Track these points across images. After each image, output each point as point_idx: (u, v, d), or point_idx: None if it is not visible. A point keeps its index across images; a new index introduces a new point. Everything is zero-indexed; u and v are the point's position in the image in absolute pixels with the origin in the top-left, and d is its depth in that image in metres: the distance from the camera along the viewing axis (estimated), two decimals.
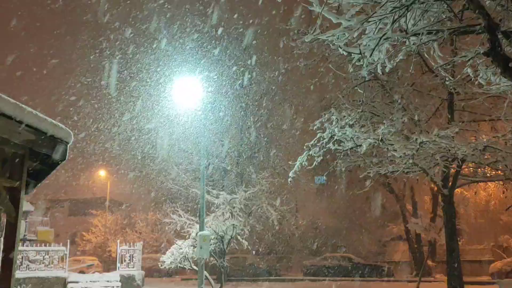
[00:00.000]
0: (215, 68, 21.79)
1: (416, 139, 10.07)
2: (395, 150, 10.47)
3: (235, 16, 22.95)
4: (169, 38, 21.48)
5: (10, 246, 4.20)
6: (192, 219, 18.08)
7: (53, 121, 4.29)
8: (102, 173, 37.57)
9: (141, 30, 22.47)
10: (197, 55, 21.96)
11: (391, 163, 12.27)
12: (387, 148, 10.82)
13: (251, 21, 22.57)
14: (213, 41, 22.72)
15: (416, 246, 26.56)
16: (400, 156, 10.77)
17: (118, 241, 21.04)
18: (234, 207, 17.65)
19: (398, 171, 12.11)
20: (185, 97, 13.45)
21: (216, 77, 21.31)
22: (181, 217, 18.05)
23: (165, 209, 22.16)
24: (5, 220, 4.38)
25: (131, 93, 22.27)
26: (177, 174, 21.76)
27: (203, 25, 22.41)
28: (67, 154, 4.44)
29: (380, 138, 10.11)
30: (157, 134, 22.20)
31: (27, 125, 3.92)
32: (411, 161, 11.03)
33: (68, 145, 4.42)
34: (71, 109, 23.25)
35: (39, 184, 5.50)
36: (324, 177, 21.05)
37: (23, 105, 4.00)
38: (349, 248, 29.46)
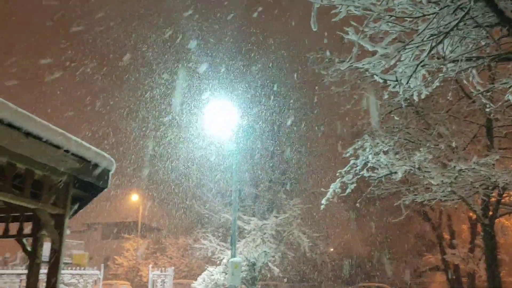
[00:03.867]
0: (245, 95, 22.05)
1: (455, 166, 9.81)
2: (432, 178, 10.21)
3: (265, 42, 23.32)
4: (203, 63, 21.97)
5: (54, 270, 4.31)
6: (222, 245, 18.02)
7: (97, 149, 4.43)
8: (134, 197, 38.18)
9: (181, 61, 23.07)
10: (228, 81, 22.32)
11: (428, 191, 11.96)
12: (424, 176, 10.57)
13: (280, 47, 22.85)
14: (243, 66, 23.07)
15: (454, 277, 25.49)
16: (438, 184, 10.49)
17: (150, 266, 21.15)
18: (265, 233, 17.51)
19: (435, 199, 11.78)
20: (218, 123, 13.62)
21: (247, 104, 21.54)
22: (212, 242, 18.04)
23: (196, 234, 22.22)
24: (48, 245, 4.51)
25: (163, 121, 22.74)
26: (208, 199, 21.86)
27: (236, 51, 22.83)
28: (110, 181, 4.57)
29: (416, 165, 9.91)
30: (188, 159, 22.47)
31: (73, 154, 4.07)
32: (449, 189, 10.73)
33: (110, 173, 4.55)
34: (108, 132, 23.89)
35: (80, 210, 5.65)
36: None
37: (69, 135, 4.16)
38: (384, 277, 28.58)
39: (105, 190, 4.78)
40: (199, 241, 18.62)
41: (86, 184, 4.63)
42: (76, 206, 5.35)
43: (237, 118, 14.69)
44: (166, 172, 23.91)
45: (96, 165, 4.32)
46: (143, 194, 35.16)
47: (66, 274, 18.24)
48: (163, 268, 21.37)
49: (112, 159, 4.55)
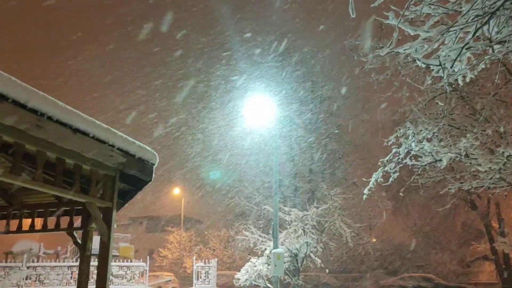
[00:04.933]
0: (285, 86, 21.96)
1: (503, 152, 9.41)
2: (479, 165, 9.84)
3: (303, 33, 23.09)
4: (241, 57, 22.03)
5: (104, 262, 4.48)
6: (264, 236, 18.13)
7: (141, 144, 4.55)
8: (176, 191, 38.97)
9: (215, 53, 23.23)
10: (268, 72, 22.29)
11: (475, 178, 11.53)
12: (470, 163, 10.20)
13: (319, 37, 22.57)
14: (282, 59, 22.98)
15: (504, 266, 24.58)
16: (485, 171, 10.10)
17: (194, 258, 21.60)
18: (306, 224, 17.47)
19: (482, 186, 11.35)
20: (258, 115, 13.67)
21: (287, 95, 21.46)
22: (253, 234, 18.18)
23: (237, 226, 22.46)
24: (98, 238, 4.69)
25: (204, 114, 23.01)
26: (250, 191, 22.04)
27: (274, 42, 22.75)
28: (153, 175, 4.68)
29: (462, 153, 9.57)
30: (231, 152, 22.68)
31: (118, 148, 4.19)
32: (497, 176, 10.29)
33: (154, 166, 4.66)
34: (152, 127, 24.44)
35: (126, 204, 5.83)
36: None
37: (114, 130, 4.29)
38: (429, 268, 27.92)
39: (150, 183, 4.91)
40: (241, 232, 18.82)
41: (131, 178, 4.76)
42: (122, 200, 5.52)
43: (277, 111, 14.70)
44: (208, 165, 24.22)
45: (140, 159, 4.44)
46: (185, 188, 35.86)
47: (114, 266, 18.91)
48: (206, 260, 21.75)
49: (155, 152, 4.66)
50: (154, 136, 24.44)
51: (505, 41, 5.64)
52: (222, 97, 22.53)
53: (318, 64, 23.70)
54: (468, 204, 23.95)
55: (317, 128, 24.28)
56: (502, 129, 10.80)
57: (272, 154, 15.16)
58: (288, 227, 17.75)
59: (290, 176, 23.39)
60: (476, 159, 9.88)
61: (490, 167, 9.86)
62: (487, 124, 10.99)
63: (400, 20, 5.49)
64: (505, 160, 9.68)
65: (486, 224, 24.69)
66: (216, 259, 23.01)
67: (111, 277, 17.98)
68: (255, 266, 16.61)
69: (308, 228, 17.33)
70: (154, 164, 4.67)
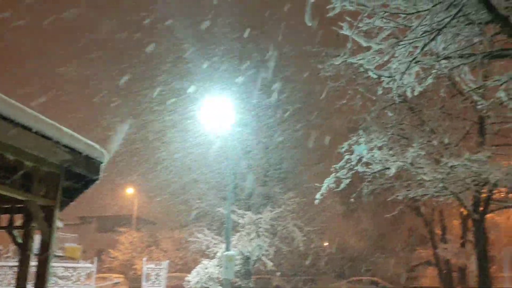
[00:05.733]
0: (241, 86, 21.96)
1: (447, 162, 9.88)
2: (425, 174, 10.29)
3: (262, 35, 23.17)
4: (196, 58, 21.81)
5: (44, 262, 4.32)
6: (217, 239, 18.08)
7: (88, 141, 4.43)
8: (129, 190, 38.09)
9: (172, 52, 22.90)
10: (225, 74, 22.22)
11: (420, 187, 12.03)
12: (417, 172, 10.64)
13: (278, 40, 22.74)
14: (239, 59, 22.96)
15: (445, 271, 25.72)
16: (430, 180, 10.56)
17: (145, 259, 21.18)
18: (259, 227, 17.59)
19: (427, 194, 11.86)
20: (213, 117, 13.64)
21: (243, 96, 21.47)
22: (207, 236, 18.08)
23: (191, 228, 22.24)
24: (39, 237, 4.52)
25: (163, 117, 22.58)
26: (204, 193, 21.87)
27: (231, 42, 22.68)
28: (101, 173, 4.57)
29: (409, 161, 9.96)
30: (186, 153, 22.39)
31: (63, 145, 4.06)
32: (441, 185, 10.80)
33: (102, 165, 4.55)
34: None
35: (72, 202, 5.65)
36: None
37: (60, 126, 4.15)
38: (376, 271, 28.78)
39: (97, 182, 4.78)
40: (194, 234, 18.66)
41: (78, 176, 4.63)
42: (69, 198, 5.35)
43: (233, 113, 14.70)
44: (163, 166, 23.84)
45: (87, 157, 4.32)
46: (138, 188, 35.12)
47: (59, 267, 18.23)
48: (157, 262, 21.41)
49: (103, 150, 4.56)
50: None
51: (451, 57, 5.93)
52: (182, 100, 22.24)
53: (276, 68, 23.88)
54: (414, 211, 24.89)
55: (274, 132, 24.45)
56: (446, 140, 11.34)
57: (228, 158, 15.18)
58: (242, 230, 17.79)
59: (246, 179, 23.41)
60: (422, 168, 10.32)
61: (434, 176, 10.32)
62: (433, 135, 11.51)
63: (354, 31, 5.66)
64: (449, 170, 10.17)
65: (430, 231, 25.76)
66: (167, 261, 22.69)
67: (56, 279, 17.27)
68: (207, 268, 16.55)
69: (261, 231, 17.46)
70: (102, 162, 4.56)
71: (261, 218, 17.87)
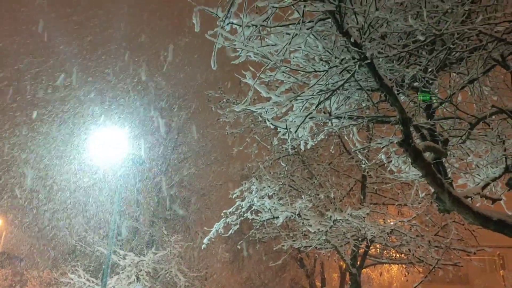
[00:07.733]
0: (139, 122, 21.41)
1: (331, 216, 10.39)
2: (310, 225, 10.69)
3: (162, 75, 23.10)
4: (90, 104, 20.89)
5: None
6: (92, 281, 16.69)
7: None
8: None
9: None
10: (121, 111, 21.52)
11: (305, 238, 12.45)
12: (303, 223, 11.02)
13: (181, 79, 22.82)
14: (137, 97, 22.49)
15: None
16: (314, 232, 10.99)
17: None
18: (141, 270, 16.67)
19: (311, 246, 12.29)
20: (103, 149, 12.94)
21: (138, 131, 20.89)
22: (81, 277, 16.62)
23: (63, 267, 20.33)
24: None
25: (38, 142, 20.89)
26: (83, 229, 20.32)
27: (129, 80, 22.19)
28: None
29: (297, 212, 10.31)
30: (67, 186, 20.79)
31: None
32: (324, 237, 11.28)
33: None
34: None
35: None
36: None
37: None
38: None
39: None
40: (66, 275, 17.03)
41: None
42: None
43: (124, 148, 14.10)
44: (37, 196, 21.80)
45: None
46: (6, 219, 31.57)
47: None
48: None
49: None
50: None
51: (342, 117, 6.36)
52: (67, 129, 20.85)
53: (177, 107, 23.81)
54: (298, 262, 25.61)
55: (166, 171, 23.95)
56: (332, 195, 12.00)
57: (113, 194, 14.37)
58: (122, 272, 16.70)
59: (131, 218, 22.31)
60: (308, 219, 10.73)
61: (318, 229, 10.76)
62: (320, 189, 12.12)
63: (256, 81, 5.84)
64: (332, 224, 10.69)
65: (311, 282, 26.59)
66: None
67: None
68: None
69: (142, 275, 16.54)
70: None
71: (143, 260, 16.98)
